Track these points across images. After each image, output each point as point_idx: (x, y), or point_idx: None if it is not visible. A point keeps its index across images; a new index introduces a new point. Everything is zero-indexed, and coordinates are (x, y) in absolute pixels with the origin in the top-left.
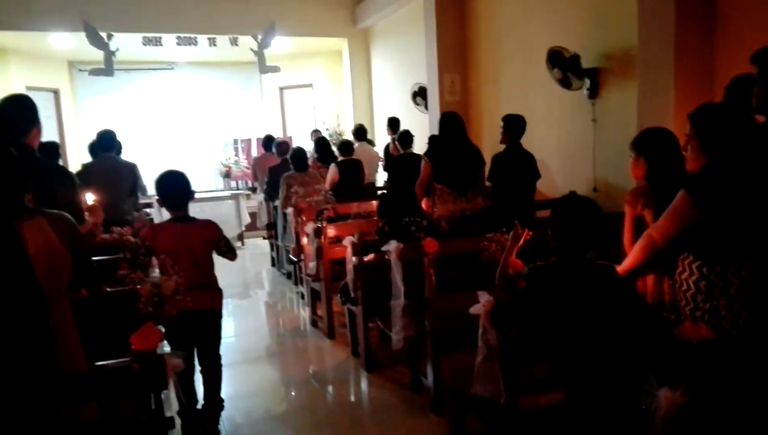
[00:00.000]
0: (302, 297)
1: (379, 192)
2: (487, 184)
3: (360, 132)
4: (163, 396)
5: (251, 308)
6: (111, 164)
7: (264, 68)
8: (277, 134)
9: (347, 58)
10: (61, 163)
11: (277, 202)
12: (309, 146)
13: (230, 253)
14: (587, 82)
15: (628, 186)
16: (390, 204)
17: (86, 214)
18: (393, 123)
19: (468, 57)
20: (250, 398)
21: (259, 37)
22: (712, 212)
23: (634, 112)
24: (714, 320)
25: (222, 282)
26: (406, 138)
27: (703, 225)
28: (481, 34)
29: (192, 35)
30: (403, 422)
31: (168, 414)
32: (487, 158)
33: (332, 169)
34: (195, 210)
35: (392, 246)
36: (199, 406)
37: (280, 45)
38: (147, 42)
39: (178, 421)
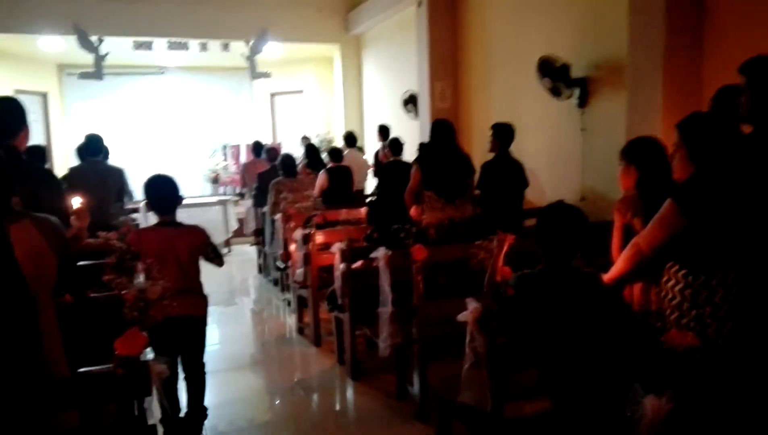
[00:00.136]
0: (289, 304)
1: (368, 199)
2: (476, 192)
3: (350, 139)
4: (146, 404)
5: (237, 315)
6: (98, 168)
7: (255, 74)
8: (267, 140)
9: (339, 65)
10: (47, 167)
11: (266, 208)
12: (299, 152)
13: (217, 259)
14: (577, 92)
15: (616, 195)
16: (379, 211)
17: (72, 217)
18: (383, 130)
19: (459, 65)
20: (234, 406)
21: (251, 42)
22: (699, 221)
23: (622, 121)
24: (699, 328)
25: (208, 288)
26: (396, 145)
27: (689, 234)
28: (472, 42)
29: (183, 40)
30: (388, 431)
31: (151, 422)
32: (477, 166)
33: (322, 175)
34: (182, 215)
35: (381, 253)
36: (182, 414)
37: (272, 51)
38: (138, 46)
39: (160, 429)
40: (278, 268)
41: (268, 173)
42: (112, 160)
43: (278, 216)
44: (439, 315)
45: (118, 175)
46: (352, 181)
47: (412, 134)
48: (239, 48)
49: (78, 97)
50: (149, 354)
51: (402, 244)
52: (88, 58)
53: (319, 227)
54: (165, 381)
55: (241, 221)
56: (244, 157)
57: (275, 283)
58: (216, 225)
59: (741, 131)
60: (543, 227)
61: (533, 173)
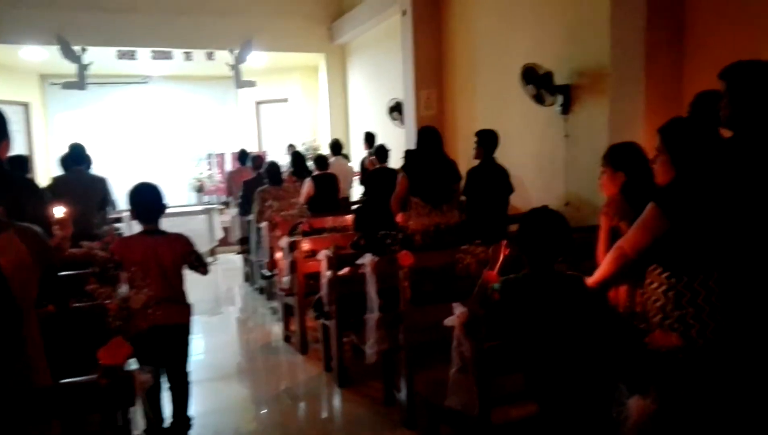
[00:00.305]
0: (275, 312)
1: (355, 206)
2: (462, 198)
3: (336, 146)
4: (129, 414)
5: (222, 324)
6: (81, 178)
7: (240, 83)
8: (253, 149)
9: (324, 74)
10: (29, 177)
11: (251, 217)
12: (284, 161)
13: (202, 268)
14: (560, 99)
15: (599, 200)
16: (365, 217)
17: (55, 227)
18: (369, 138)
19: (444, 73)
20: (219, 416)
21: (236, 51)
22: (681, 224)
23: (605, 127)
24: (682, 330)
25: (193, 297)
26: (382, 152)
27: (671, 236)
28: (457, 50)
29: (167, 49)
30: None
31: (135, 432)
32: (463, 173)
33: (307, 183)
34: (166, 224)
35: (367, 259)
36: (166, 425)
37: (257, 60)
38: (121, 55)
39: None
40: (264, 277)
41: (253, 181)
42: (96, 170)
43: (264, 224)
44: (425, 321)
45: (101, 184)
46: (338, 189)
47: (397, 142)
48: (224, 57)
49: (61, 108)
50: (132, 364)
51: (388, 251)
52: (70, 68)
53: (305, 235)
54: (148, 390)
55: (226, 230)
56: (229, 166)
57: (261, 291)
58: (201, 234)
59: (721, 135)
60: (524, 232)
61: (518, 179)
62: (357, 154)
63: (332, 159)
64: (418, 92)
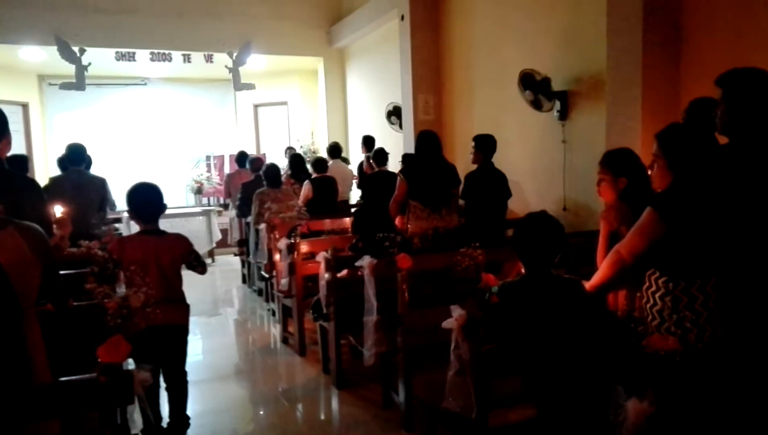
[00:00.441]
0: (273, 314)
1: (353, 208)
2: (461, 202)
3: (334, 150)
4: (128, 412)
5: (220, 325)
6: (80, 178)
7: (239, 85)
8: (251, 151)
9: (323, 77)
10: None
11: (250, 219)
12: (283, 164)
13: (200, 267)
14: (557, 104)
15: (597, 205)
16: (364, 220)
17: (54, 226)
18: (367, 141)
19: (442, 77)
20: (217, 416)
21: (235, 54)
22: (679, 229)
23: (602, 133)
24: (680, 334)
25: (191, 299)
26: (380, 156)
27: (669, 241)
28: (455, 55)
29: (166, 51)
30: None
31: (133, 432)
32: (461, 177)
33: (306, 185)
34: (165, 226)
35: (366, 261)
36: (164, 424)
37: (256, 63)
38: (120, 57)
39: None
40: (262, 278)
41: (252, 183)
42: (95, 171)
43: (262, 226)
44: (423, 323)
45: (100, 184)
46: (337, 192)
47: (396, 146)
48: (223, 60)
49: (59, 108)
50: (130, 364)
51: (387, 253)
52: (69, 69)
53: (303, 237)
54: (147, 390)
55: (224, 232)
56: (228, 168)
57: (259, 293)
58: (199, 235)
59: (717, 141)
60: (519, 238)
61: (516, 184)
62: (355, 157)
63: (331, 162)
64: (417, 97)
